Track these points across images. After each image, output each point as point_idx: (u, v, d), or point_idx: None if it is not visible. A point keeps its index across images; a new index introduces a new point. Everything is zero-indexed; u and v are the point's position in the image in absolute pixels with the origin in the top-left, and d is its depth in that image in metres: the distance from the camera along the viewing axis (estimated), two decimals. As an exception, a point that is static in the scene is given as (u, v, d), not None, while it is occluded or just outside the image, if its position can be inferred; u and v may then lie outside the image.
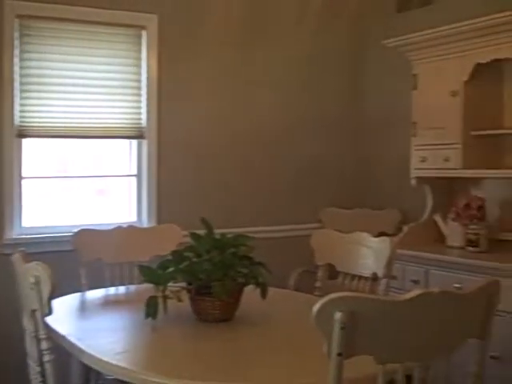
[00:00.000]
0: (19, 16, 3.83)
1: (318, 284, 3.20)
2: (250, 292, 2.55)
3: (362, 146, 5.01)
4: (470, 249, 3.81)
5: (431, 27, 3.99)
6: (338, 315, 1.60)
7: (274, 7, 4.65)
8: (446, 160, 3.98)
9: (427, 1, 4.51)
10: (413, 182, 4.23)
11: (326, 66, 4.88)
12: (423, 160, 4.13)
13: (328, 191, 4.88)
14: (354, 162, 5.01)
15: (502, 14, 3.56)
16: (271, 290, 2.59)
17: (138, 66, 4.24)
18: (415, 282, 3.82)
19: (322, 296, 1.69)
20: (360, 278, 3.02)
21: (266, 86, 4.64)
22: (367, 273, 2.96)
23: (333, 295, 1.63)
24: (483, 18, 3.66)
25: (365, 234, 3.06)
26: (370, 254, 2.97)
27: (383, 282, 2.86)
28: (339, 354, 1.63)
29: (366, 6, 4.92)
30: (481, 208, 3.88)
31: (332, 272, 3.19)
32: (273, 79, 4.67)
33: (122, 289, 3.27)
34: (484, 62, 3.78)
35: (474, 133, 3.92)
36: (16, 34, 3.82)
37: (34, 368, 2.39)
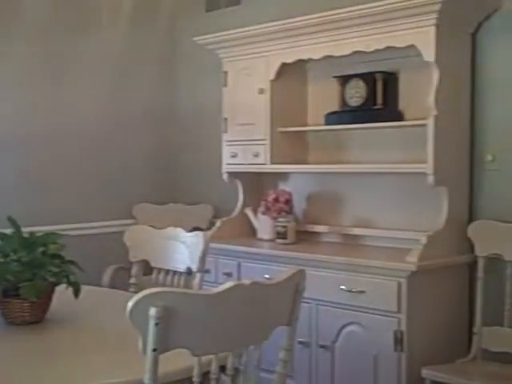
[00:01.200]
0: None
1: (132, 280, 3.17)
2: (63, 292, 2.48)
3: (175, 141, 5.04)
4: (279, 241, 3.97)
5: (239, 27, 4.10)
6: (152, 311, 1.60)
7: (86, 4, 4.54)
8: (256, 155, 4.12)
9: (235, 1, 4.63)
10: (224, 177, 4.33)
11: (140, 64, 4.84)
12: (234, 155, 4.24)
13: (141, 187, 4.85)
14: (168, 157, 5.02)
15: (303, 18, 3.74)
16: (85, 289, 2.52)
17: None
18: (228, 274, 3.92)
19: (136, 292, 1.69)
20: (175, 273, 3.04)
21: (79, 82, 4.52)
22: (182, 268, 2.98)
23: (146, 291, 1.63)
24: (288, 20, 3.82)
25: (178, 229, 3.08)
26: (183, 248, 2.99)
27: (197, 276, 2.90)
28: (154, 350, 1.63)
29: (178, 4, 4.95)
30: (288, 201, 4.05)
31: (147, 268, 3.18)
32: (86, 75, 4.55)
33: None
34: (289, 62, 3.95)
35: (280, 129, 4.08)
36: None
37: None
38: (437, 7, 3.21)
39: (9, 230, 2.53)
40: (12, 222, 2.54)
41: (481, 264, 3.36)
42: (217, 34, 4.19)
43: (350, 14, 3.53)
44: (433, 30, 3.28)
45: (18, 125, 4.28)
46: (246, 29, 4.03)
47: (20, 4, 4.23)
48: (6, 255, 2.47)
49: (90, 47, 4.56)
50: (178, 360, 1.81)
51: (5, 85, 4.22)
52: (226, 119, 4.28)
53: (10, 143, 4.24)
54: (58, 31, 4.40)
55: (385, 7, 3.38)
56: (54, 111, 4.44)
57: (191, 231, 3.10)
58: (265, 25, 3.93)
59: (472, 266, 3.47)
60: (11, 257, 2.45)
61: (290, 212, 4.03)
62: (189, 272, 2.95)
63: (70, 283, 2.47)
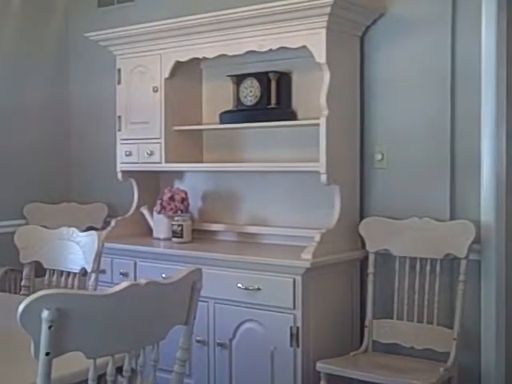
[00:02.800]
0: None
1: (24, 283, 3.07)
2: None
3: (69, 139, 4.92)
4: (175, 239, 3.96)
5: (133, 23, 4.05)
6: (45, 313, 1.56)
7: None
8: (151, 154, 4.08)
9: (128, -3, 4.58)
10: (119, 175, 4.26)
11: (34, 61, 4.71)
12: (129, 154, 4.18)
13: (32, 186, 4.70)
14: (60, 155, 4.90)
15: (196, 16, 3.74)
16: (-28, 293, 2.44)
17: None
18: (124, 274, 3.87)
19: (28, 295, 1.64)
20: (69, 274, 2.97)
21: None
22: (76, 268, 2.92)
23: (38, 293, 1.58)
24: (182, 19, 3.80)
25: (72, 229, 3.01)
26: (78, 249, 2.93)
27: (92, 276, 2.85)
28: (47, 354, 1.59)
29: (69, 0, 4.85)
30: (184, 200, 4.04)
31: (39, 270, 3.10)
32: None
33: None
34: (183, 60, 3.94)
35: (175, 128, 4.07)
36: None
37: None
38: (327, 10, 3.30)
39: None
40: None
41: (371, 259, 3.48)
42: (109, 31, 4.12)
43: (244, 13, 3.56)
44: (323, 32, 3.37)
45: None
46: (140, 26, 3.99)
47: None
48: None
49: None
50: (74, 363, 1.77)
51: None
52: (119, 117, 4.22)
53: None
54: None
55: (277, 8, 3.43)
56: None
57: (85, 231, 3.04)
58: (158, 22, 3.90)
59: (364, 261, 3.59)
60: None
61: (185, 211, 4.03)
62: (83, 273, 2.89)
63: (-44, 287, 2.37)
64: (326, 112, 3.38)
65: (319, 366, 3.21)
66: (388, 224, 3.49)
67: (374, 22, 3.61)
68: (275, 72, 3.79)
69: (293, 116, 3.79)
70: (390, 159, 3.60)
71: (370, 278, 3.48)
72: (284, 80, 3.82)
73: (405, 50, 3.54)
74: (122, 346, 1.77)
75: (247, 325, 3.41)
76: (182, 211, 4.00)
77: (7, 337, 2.24)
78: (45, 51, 4.80)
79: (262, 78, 3.79)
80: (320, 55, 3.40)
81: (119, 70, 4.21)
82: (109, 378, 1.78)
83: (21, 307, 1.56)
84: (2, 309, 2.59)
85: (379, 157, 3.62)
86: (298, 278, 3.25)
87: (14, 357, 2.04)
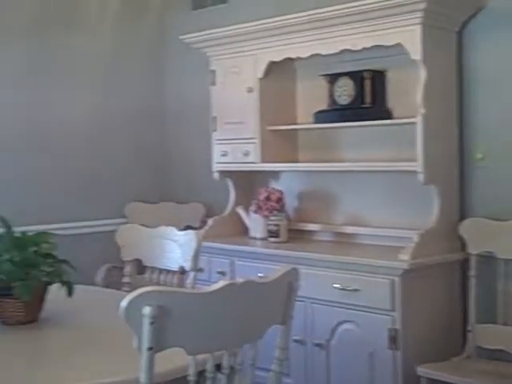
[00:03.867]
0: None
1: (125, 280, 3.17)
2: (56, 291, 2.48)
3: (166, 140, 5.04)
4: (271, 239, 3.98)
5: (226, 25, 4.10)
6: (146, 310, 1.61)
7: (74, 3, 4.53)
8: (246, 154, 4.12)
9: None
10: (215, 175, 4.33)
11: (128, 63, 4.84)
12: (224, 154, 4.24)
13: (133, 186, 4.85)
14: (158, 156, 5.02)
15: (291, 16, 3.74)
16: (78, 288, 2.52)
17: None
18: (222, 273, 3.92)
19: (130, 292, 1.69)
20: (168, 271, 3.04)
21: (68, 80, 4.52)
22: (174, 267, 2.98)
23: (140, 290, 1.63)
24: (276, 19, 3.82)
25: (170, 228, 3.08)
26: (176, 247, 2.99)
27: (190, 274, 2.90)
28: (149, 349, 1.64)
29: (165, 2, 4.95)
30: (280, 200, 4.06)
31: (140, 267, 3.19)
32: (73, 74, 4.55)
33: None
34: (277, 60, 3.96)
35: (270, 128, 4.08)
36: None
37: None
38: (422, 6, 3.23)
39: (0, 230, 2.52)
40: (3, 221, 2.54)
41: (473, 262, 3.37)
42: (203, 33, 4.19)
43: (338, 12, 3.53)
44: (418, 28, 3.30)
45: (7, 124, 4.27)
46: (234, 27, 4.03)
47: (8, 3, 4.22)
48: (-2, 255, 2.46)
49: (79, 46, 4.56)
50: (174, 359, 1.81)
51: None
52: (214, 118, 4.28)
53: (9, 143, 4.24)
54: (46, 29, 4.40)
55: (371, 6, 3.39)
56: (43, 110, 4.44)
57: (183, 230, 3.10)
58: (252, 23, 3.93)
59: (464, 263, 3.48)
60: (3, 256, 2.44)
61: (281, 210, 4.04)
62: (182, 271, 2.95)
63: (63, 282, 2.47)
64: (422, 110, 3.31)
65: (420, 370, 3.14)
66: (491, 225, 3.37)
67: (473, 16, 3.49)
68: (369, 70, 3.74)
69: (388, 115, 3.73)
70: (492, 157, 3.48)
71: (473, 281, 3.37)
72: (378, 78, 3.77)
73: (508, 44, 3.41)
74: (221, 343, 1.79)
75: (345, 326, 3.39)
76: (277, 211, 4.01)
77: (111, 331, 2.32)
78: (139, 53, 4.93)
79: (356, 76, 3.75)
80: (415, 52, 3.33)
81: (213, 71, 4.27)
82: (208, 375, 1.81)
83: (124, 303, 1.61)
84: (106, 304, 2.68)
85: (480, 155, 3.51)
86: (396, 280, 3.19)
87: (118, 350, 2.11)
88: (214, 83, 4.28)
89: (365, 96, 3.74)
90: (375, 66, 3.77)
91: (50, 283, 2.48)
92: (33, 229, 2.76)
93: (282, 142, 4.15)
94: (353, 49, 3.59)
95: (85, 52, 4.60)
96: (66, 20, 4.49)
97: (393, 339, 3.20)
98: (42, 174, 4.43)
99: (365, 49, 3.56)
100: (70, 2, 4.52)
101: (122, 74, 4.80)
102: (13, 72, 4.30)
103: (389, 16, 3.38)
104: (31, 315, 2.44)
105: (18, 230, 2.55)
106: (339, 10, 3.52)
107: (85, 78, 4.62)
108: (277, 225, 3.96)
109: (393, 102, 3.76)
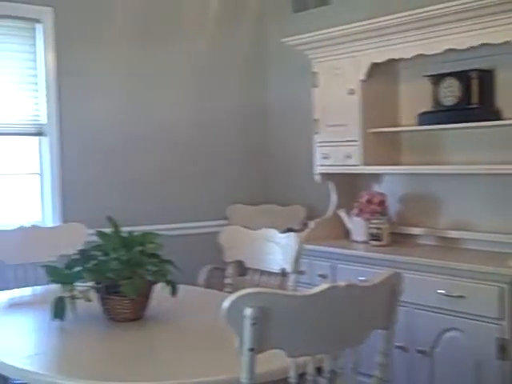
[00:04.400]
0: None
1: (227, 281, 3.21)
2: (160, 290, 2.54)
3: (267, 143, 5.07)
4: (373, 242, 3.93)
5: (327, 27, 4.07)
6: (248, 311, 1.63)
7: (176, 4, 4.65)
8: (348, 157, 4.08)
9: (323, 1, 4.61)
10: (317, 178, 4.32)
11: (229, 65, 4.91)
12: (326, 157, 4.22)
13: (234, 188, 4.91)
14: (260, 158, 5.06)
15: (394, 16, 3.68)
16: (181, 288, 2.58)
17: (34, 60, 4.13)
18: (323, 276, 3.90)
19: (232, 293, 1.71)
20: (269, 273, 3.05)
21: (169, 83, 4.63)
22: (276, 268, 2.99)
23: (242, 291, 1.65)
24: (377, 19, 3.77)
25: (272, 230, 3.09)
26: (277, 249, 3.00)
27: (292, 277, 2.90)
28: (251, 349, 1.65)
29: (265, 5, 4.99)
30: (382, 203, 4.00)
31: (241, 268, 3.22)
32: (176, 76, 4.66)
33: (27, 290, 3.17)
34: (379, 61, 3.90)
35: (372, 130, 4.03)
36: None
37: None
38: (533, 2, 3.10)
39: (108, 230, 2.61)
40: (111, 221, 2.63)
41: None
42: (306, 35, 4.18)
43: (443, 10, 3.44)
44: (528, 25, 3.17)
45: (116, 129, 4.43)
46: (336, 29, 4.00)
47: (112, 12, 4.37)
48: (106, 253, 2.55)
49: (180, 50, 4.66)
50: (274, 360, 1.81)
51: (99, 90, 4.37)
52: (317, 120, 4.27)
53: (108, 146, 4.40)
54: (149, 37, 4.53)
55: (478, 3, 3.28)
56: (150, 114, 4.57)
57: (284, 232, 3.11)
58: (354, 24, 3.89)
59: None
60: (111, 255, 2.53)
61: (383, 213, 3.98)
62: (283, 273, 2.96)
63: (167, 282, 2.53)
64: (534, 110, 3.18)
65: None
66: None
67: None
68: (476, 70, 3.61)
69: (497, 115, 3.60)
70: None
71: None
72: (486, 78, 3.63)
73: None
74: (322, 346, 1.78)
75: (450, 333, 3.28)
76: (379, 214, 3.95)
77: (213, 330, 2.36)
78: (240, 57, 4.98)
79: (463, 76, 3.64)
80: (526, 50, 3.20)
81: (315, 74, 4.26)
82: (309, 378, 1.81)
83: (226, 304, 1.63)
84: (208, 304, 2.73)
85: None
86: (506, 287, 3.07)
87: (220, 350, 2.13)
88: (315, 85, 4.27)
89: (471, 96, 3.62)
90: (481, 65, 3.64)
91: (154, 282, 2.55)
92: (139, 229, 2.84)
93: (384, 145, 4.09)
94: (458, 48, 3.49)
95: (185, 57, 4.70)
96: (168, 27, 4.61)
97: (502, 349, 3.07)
98: (147, 176, 4.56)
99: (471, 47, 3.45)
100: (170, 10, 4.63)
101: (222, 77, 4.87)
102: (118, 77, 4.44)
103: (497, 13, 3.26)
104: (137, 313, 2.51)
105: (124, 229, 2.63)
106: (445, 8, 3.43)
107: (187, 83, 4.71)
108: (378, 228, 3.91)
109: (502, 102, 3.62)
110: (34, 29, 4.12)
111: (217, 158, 4.88)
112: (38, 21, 4.11)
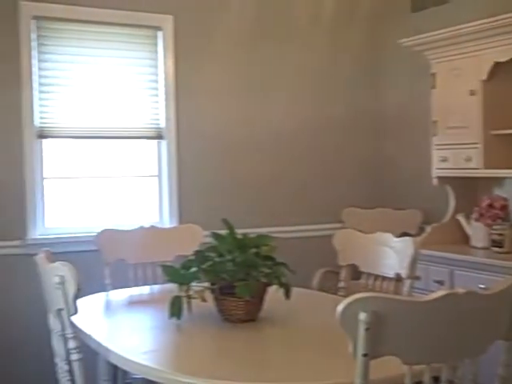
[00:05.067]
0: (36, 17, 3.89)
1: (341, 284, 3.18)
2: (274, 292, 2.55)
3: (382, 145, 4.99)
4: (495, 249, 3.78)
5: (447, 26, 3.96)
6: (362, 316, 1.60)
7: (289, 8, 4.67)
8: (468, 160, 3.95)
9: (443, 0, 4.48)
10: (434, 181, 4.21)
11: (343, 67, 4.87)
12: (444, 160, 4.10)
13: (349, 191, 4.87)
14: (375, 161, 4.99)
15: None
16: (295, 291, 2.58)
17: (155, 66, 4.27)
18: (439, 282, 3.79)
19: (345, 296, 1.69)
20: (383, 278, 3.00)
21: (282, 87, 4.65)
22: (391, 273, 2.94)
23: (357, 295, 1.62)
24: (501, 17, 3.63)
25: (387, 235, 3.04)
26: (392, 254, 2.95)
27: (407, 282, 2.84)
28: (365, 355, 1.62)
29: (380, 6, 4.91)
30: (504, 208, 3.85)
31: (355, 272, 3.18)
32: (288, 80, 4.67)
33: (145, 289, 3.29)
34: (503, 60, 3.75)
35: (494, 132, 3.88)
36: (33, 36, 3.88)
37: (62, 367, 2.41)
38: None
39: (223, 232, 2.65)
40: (226, 223, 2.66)
41: None
42: (424, 35, 4.09)
43: None
44: None
45: (231, 132, 4.50)
46: (456, 28, 3.88)
47: (227, 17, 4.44)
48: (221, 255, 2.59)
49: (293, 53, 4.66)
50: (388, 367, 1.77)
51: (215, 95, 4.45)
52: (435, 122, 4.16)
53: (223, 149, 4.48)
54: (260, 43, 4.56)
55: None
56: (265, 118, 4.60)
57: (399, 237, 3.04)
58: (476, 22, 3.76)
59: None
60: (226, 257, 2.56)
61: (506, 219, 3.83)
62: (398, 278, 2.90)
63: (281, 284, 2.54)
64: None
65: None
66: None
67: None
68: None
69: None
70: None
71: None
72: None
73: None
74: (439, 355, 1.73)
75: None
76: (501, 219, 3.81)
77: (327, 334, 2.34)
78: (353, 59, 4.91)
79: None
80: None
81: (434, 74, 4.15)
82: (425, 387, 1.75)
83: (340, 308, 1.61)
84: (322, 307, 2.72)
85: None
86: None
87: (334, 353, 2.12)
88: (434, 86, 4.16)
89: None
90: None
91: (268, 284, 2.56)
92: (253, 231, 2.87)
93: (507, 147, 3.92)
94: None
95: (300, 60, 4.69)
96: (282, 30, 4.63)
97: None
98: (262, 179, 4.60)
99: None
100: (284, 13, 4.64)
101: (336, 80, 4.83)
102: (233, 82, 4.51)
103: None
104: (251, 314, 2.53)
105: (239, 232, 2.66)
106: None
107: (301, 86, 4.71)
108: (501, 234, 3.76)
109: None
110: (155, 36, 4.26)
111: (332, 161, 4.85)
112: (159, 28, 4.25)
